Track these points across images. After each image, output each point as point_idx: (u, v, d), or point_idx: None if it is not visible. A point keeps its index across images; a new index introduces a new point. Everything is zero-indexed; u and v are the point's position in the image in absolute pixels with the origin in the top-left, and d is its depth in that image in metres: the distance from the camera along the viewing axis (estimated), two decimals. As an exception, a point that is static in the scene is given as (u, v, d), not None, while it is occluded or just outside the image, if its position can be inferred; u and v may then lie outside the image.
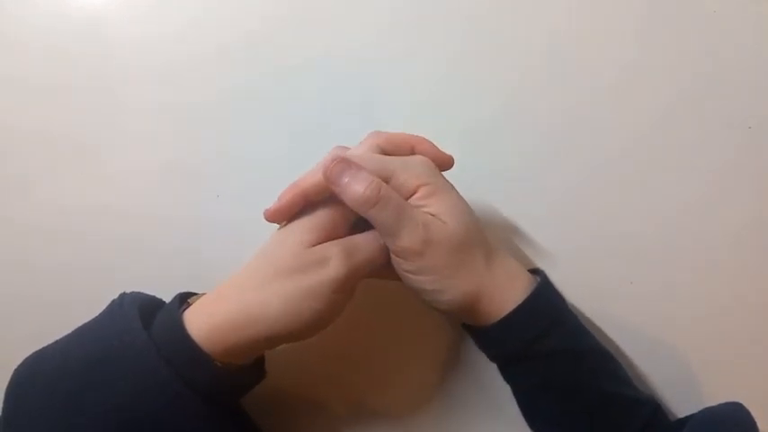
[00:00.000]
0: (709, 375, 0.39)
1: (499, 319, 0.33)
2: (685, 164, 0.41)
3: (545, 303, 0.34)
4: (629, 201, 0.41)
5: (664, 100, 0.41)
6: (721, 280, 0.40)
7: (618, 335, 0.39)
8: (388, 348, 0.40)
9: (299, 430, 0.40)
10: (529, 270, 0.36)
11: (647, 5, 0.42)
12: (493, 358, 0.36)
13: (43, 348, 0.31)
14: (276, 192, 0.40)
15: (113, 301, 0.32)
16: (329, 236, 0.32)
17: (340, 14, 0.42)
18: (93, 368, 0.29)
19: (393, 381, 0.40)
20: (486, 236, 0.34)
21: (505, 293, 0.33)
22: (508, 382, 0.36)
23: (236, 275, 0.32)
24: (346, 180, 0.31)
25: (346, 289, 0.32)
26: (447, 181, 0.34)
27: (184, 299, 0.32)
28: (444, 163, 0.35)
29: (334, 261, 0.31)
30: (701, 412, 0.34)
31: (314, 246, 0.31)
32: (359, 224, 0.34)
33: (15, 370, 0.30)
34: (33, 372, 0.30)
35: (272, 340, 0.31)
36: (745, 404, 0.33)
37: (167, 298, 0.33)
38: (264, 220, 0.33)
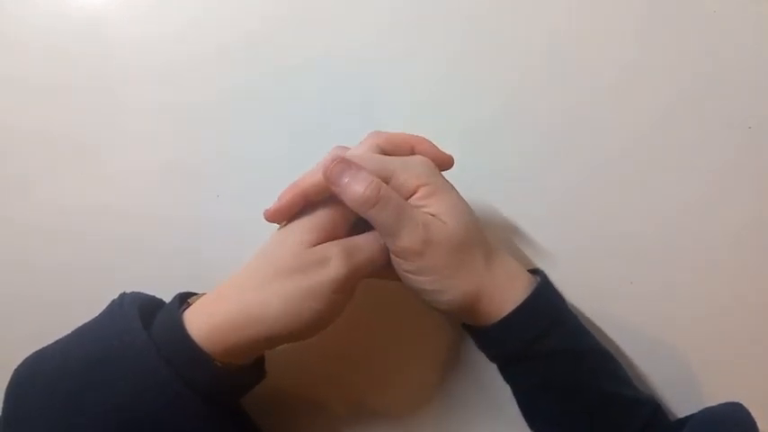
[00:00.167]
0: (709, 375, 0.39)
1: (499, 319, 0.33)
2: (685, 164, 0.41)
3: (545, 303, 0.34)
4: (629, 201, 0.41)
5: (664, 100, 0.41)
6: (721, 280, 0.40)
7: (618, 335, 0.39)
8: (388, 348, 0.40)
9: (298, 430, 0.40)
10: (528, 270, 0.36)
11: (647, 5, 0.42)
12: (493, 358, 0.36)
13: (43, 348, 0.31)
14: (276, 192, 0.40)
15: (113, 301, 0.32)
16: (329, 236, 0.32)
17: (340, 14, 0.42)
18: (94, 368, 0.29)
19: (393, 381, 0.40)
20: (485, 236, 0.34)
21: (505, 293, 0.33)
22: (508, 383, 0.36)
23: (236, 275, 0.32)
24: (346, 180, 0.31)
25: (346, 289, 0.32)
26: (447, 181, 0.34)
27: (184, 299, 0.32)
28: (444, 163, 0.35)
29: (334, 261, 0.31)
30: (700, 412, 0.34)
31: (314, 246, 0.31)
32: (359, 224, 0.34)
33: (15, 370, 0.30)
34: (33, 372, 0.30)
35: (273, 340, 0.31)
36: (745, 404, 0.33)
37: (167, 298, 0.33)
38: (264, 221, 0.33)
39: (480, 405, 0.40)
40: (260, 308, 0.30)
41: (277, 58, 0.42)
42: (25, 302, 0.41)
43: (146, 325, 0.30)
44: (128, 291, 0.33)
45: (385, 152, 0.34)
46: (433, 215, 0.32)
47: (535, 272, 0.36)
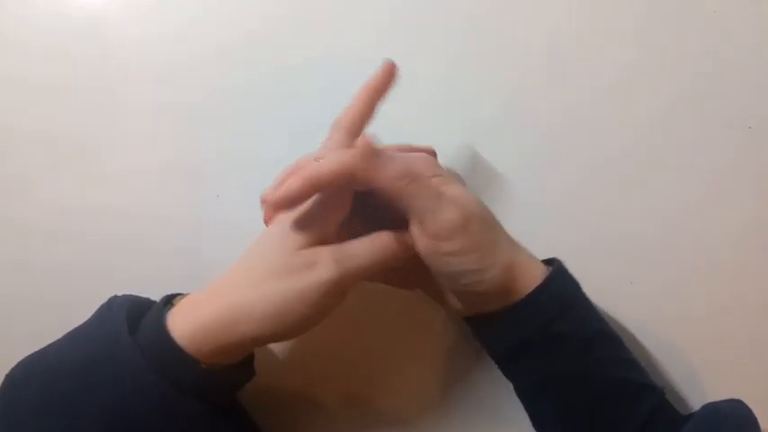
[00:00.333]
0: (710, 375, 0.39)
1: (533, 288, 0.32)
2: (685, 164, 0.41)
3: (569, 279, 0.34)
4: (629, 201, 0.41)
5: (664, 100, 0.41)
6: (721, 280, 0.40)
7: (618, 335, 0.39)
8: (389, 349, 0.40)
9: (299, 430, 0.40)
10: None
11: (647, 5, 0.42)
12: (502, 348, 0.35)
13: (36, 352, 0.31)
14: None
15: (102, 305, 0.32)
16: (318, 238, 0.31)
17: (340, 14, 0.42)
18: (83, 372, 0.29)
19: (393, 381, 0.40)
20: None
21: (532, 268, 0.33)
22: (513, 377, 0.35)
23: (224, 276, 0.32)
24: (382, 159, 0.30)
25: (336, 294, 0.31)
26: (454, 173, 0.34)
27: (171, 300, 0.32)
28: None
29: (323, 265, 0.30)
30: (704, 408, 0.34)
31: (303, 248, 0.31)
32: (351, 230, 0.33)
33: (7, 374, 0.30)
34: (27, 374, 0.30)
35: (258, 341, 0.31)
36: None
37: (167, 298, 0.33)
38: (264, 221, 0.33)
39: (480, 405, 0.40)
40: (246, 309, 0.30)
41: (277, 58, 0.42)
42: (25, 302, 0.41)
43: (133, 328, 0.30)
44: (128, 291, 0.33)
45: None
46: None
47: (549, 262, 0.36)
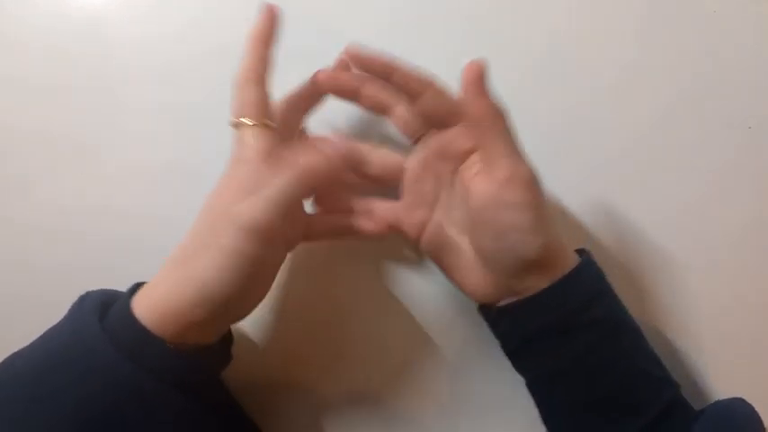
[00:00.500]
0: (710, 375, 0.39)
1: (571, 269, 0.32)
2: (685, 164, 0.41)
3: (597, 267, 0.34)
4: (630, 201, 0.41)
5: (664, 100, 0.41)
6: (721, 280, 0.40)
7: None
8: (395, 345, 0.40)
9: (301, 428, 0.40)
10: None
11: (647, 5, 0.42)
12: (522, 335, 0.33)
13: (14, 353, 0.31)
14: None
15: (75, 301, 0.32)
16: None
17: (340, 15, 0.42)
18: (52, 368, 0.29)
19: (399, 379, 0.40)
20: None
21: (569, 251, 0.33)
22: (527, 370, 0.34)
23: (175, 251, 0.32)
24: (483, 89, 0.31)
25: (262, 239, 0.30)
26: None
27: (139, 286, 0.32)
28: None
29: (245, 213, 0.30)
30: (711, 406, 0.34)
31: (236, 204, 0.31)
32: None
33: None
34: (4, 371, 0.30)
35: (211, 308, 0.30)
36: (745, 404, 0.33)
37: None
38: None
39: (484, 402, 0.40)
40: (194, 277, 0.30)
41: (277, 58, 0.42)
42: (25, 302, 0.41)
43: (103, 318, 0.30)
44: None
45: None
46: None
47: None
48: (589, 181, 0.41)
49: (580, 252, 0.35)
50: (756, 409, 0.33)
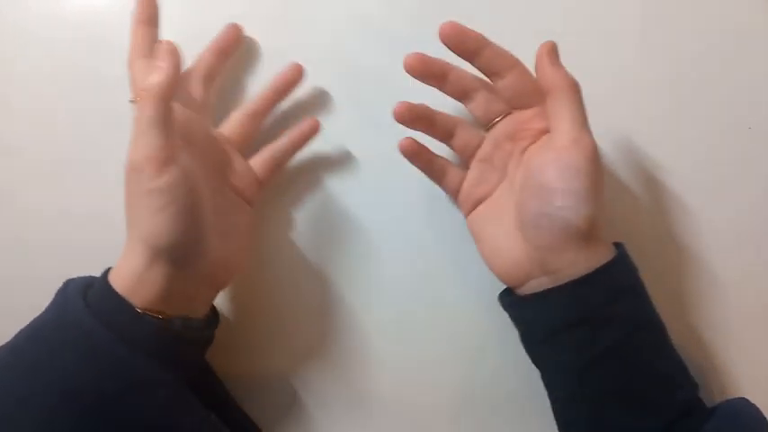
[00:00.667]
0: (710, 375, 0.39)
1: (606, 261, 0.32)
2: (685, 164, 0.41)
3: (631, 261, 0.34)
4: (630, 201, 0.41)
5: (664, 100, 0.41)
6: (721, 280, 0.40)
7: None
8: (400, 339, 0.40)
9: (300, 425, 0.40)
10: None
11: (647, 5, 0.42)
12: (551, 325, 0.33)
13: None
14: (275, 192, 0.40)
15: (60, 287, 0.33)
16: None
17: (340, 15, 0.42)
18: (35, 348, 0.30)
19: (403, 375, 0.40)
20: None
21: (606, 240, 0.33)
22: (561, 353, 0.33)
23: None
24: (555, 60, 0.33)
25: (161, 166, 0.30)
26: None
27: None
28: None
29: (130, 155, 0.30)
30: (719, 407, 0.33)
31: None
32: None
33: None
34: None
35: (165, 262, 0.31)
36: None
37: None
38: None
39: (496, 398, 0.40)
40: (133, 235, 0.31)
41: (276, 59, 0.42)
42: (26, 303, 0.41)
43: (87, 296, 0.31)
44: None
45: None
46: None
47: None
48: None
49: (616, 245, 0.34)
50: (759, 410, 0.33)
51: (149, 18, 0.36)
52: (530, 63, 0.34)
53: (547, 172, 0.32)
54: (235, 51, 0.40)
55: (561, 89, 0.32)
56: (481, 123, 0.37)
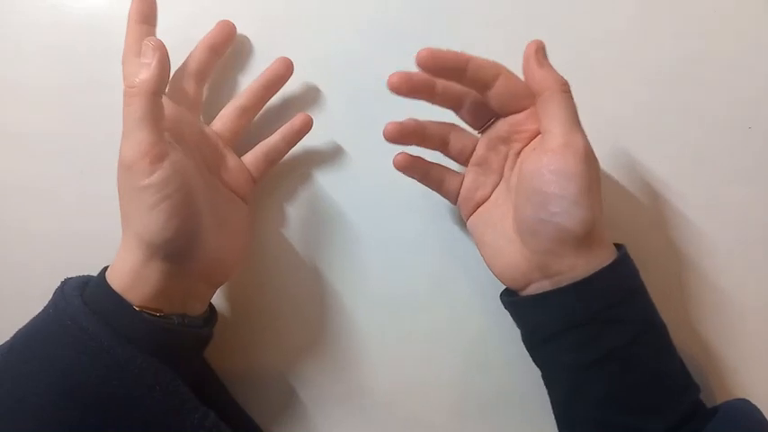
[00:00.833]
0: (710, 375, 0.39)
1: (609, 262, 0.32)
2: (685, 164, 0.41)
3: (633, 265, 0.34)
4: (630, 201, 0.41)
5: (664, 100, 0.41)
6: (722, 280, 0.40)
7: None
8: (402, 337, 0.40)
9: (299, 423, 0.40)
10: None
11: (646, 5, 0.42)
12: (564, 318, 0.32)
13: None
14: (275, 192, 0.40)
15: (58, 287, 0.33)
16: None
17: (340, 15, 0.42)
18: (31, 346, 0.30)
19: (403, 374, 0.40)
20: None
21: (609, 241, 0.33)
22: (548, 365, 0.34)
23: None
24: (542, 61, 0.32)
25: (153, 163, 0.30)
26: None
27: None
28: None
29: (121, 153, 0.30)
30: (720, 408, 0.33)
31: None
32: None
33: None
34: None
35: (161, 259, 0.31)
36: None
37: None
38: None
39: (495, 399, 0.40)
40: (128, 233, 0.31)
41: (271, 54, 0.41)
42: (26, 304, 0.41)
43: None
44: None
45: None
46: None
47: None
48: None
49: (617, 247, 0.34)
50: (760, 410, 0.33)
51: (146, 17, 0.36)
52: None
53: (540, 177, 0.31)
54: (227, 49, 0.40)
55: (550, 90, 0.32)
56: (474, 128, 0.37)
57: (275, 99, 0.40)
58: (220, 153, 0.37)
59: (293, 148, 0.40)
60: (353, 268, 0.41)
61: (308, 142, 0.40)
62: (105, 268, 0.32)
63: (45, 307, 0.32)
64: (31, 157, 0.42)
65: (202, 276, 0.33)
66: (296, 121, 0.39)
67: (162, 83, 0.31)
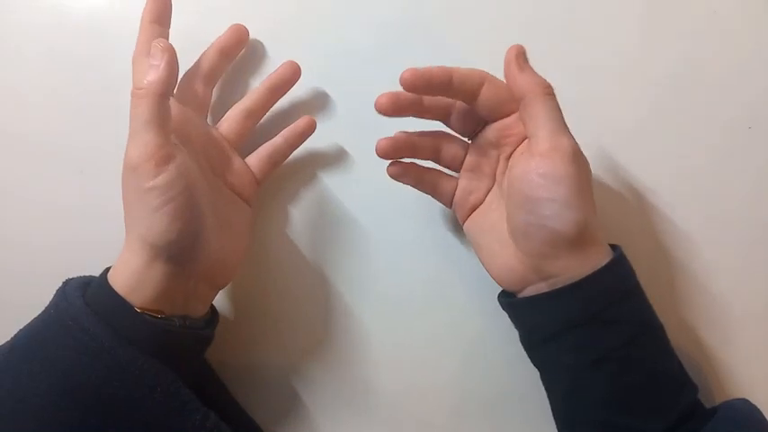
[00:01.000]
0: (711, 376, 0.39)
1: (610, 260, 0.32)
2: (686, 164, 0.41)
3: (629, 265, 0.34)
4: (630, 201, 0.41)
5: (664, 100, 0.41)
6: (722, 280, 0.40)
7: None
8: (402, 337, 0.41)
9: (301, 424, 0.40)
10: None
11: (647, 5, 0.42)
12: (561, 318, 0.32)
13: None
14: (278, 194, 0.40)
15: (59, 287, 0.33)
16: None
17: (340, 15, 0.42)
18: (36, 337, 0.30)
19: (402, 373, 0.40)
20: None
21: (603, 241, 0.33)
22: (546, 366, 0.34)
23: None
24: (523, 65, 0.32)
25: (157, 165, 0.30)
26: None
27: None
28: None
29: (127, 154, 0.30)
30: (719, 407, 0.33)
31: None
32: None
33: None
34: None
35: (164, 260, 0.31)
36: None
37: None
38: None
39: (494, 399, 0.40)
40: (132, 235, 0.31)
41: (277, 58, 0.42)
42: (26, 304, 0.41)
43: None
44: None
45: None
46: None
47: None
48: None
49: (612, 247, 0.34)
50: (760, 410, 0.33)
51: (159, 17, 0.36)
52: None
53: (529, 182, 0.31)
54: (238, 53, 0.40)
55: (533, 94, 0.32)
56: (464, 136, 0.37)
57: (281, 101, 0.40)
58: (226, 155, 0.37)
59: (296, 151, 0.40)
60: (356, 269, 0.41)
61: (311, 144, 0.40)
62: (107, 269, 0.32)
63: (46, 307, 0.32)
64: (31, 158, 0.42)
65: (204, 278, 0.33)
66: (299, 123, 0.39)
67: (169, 85, 0.31)
